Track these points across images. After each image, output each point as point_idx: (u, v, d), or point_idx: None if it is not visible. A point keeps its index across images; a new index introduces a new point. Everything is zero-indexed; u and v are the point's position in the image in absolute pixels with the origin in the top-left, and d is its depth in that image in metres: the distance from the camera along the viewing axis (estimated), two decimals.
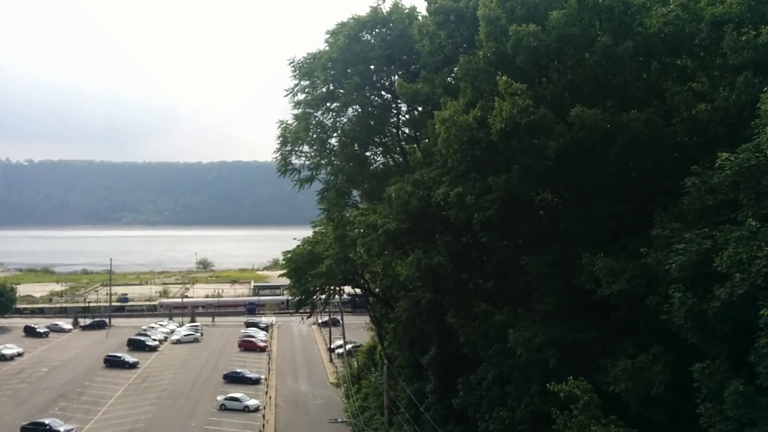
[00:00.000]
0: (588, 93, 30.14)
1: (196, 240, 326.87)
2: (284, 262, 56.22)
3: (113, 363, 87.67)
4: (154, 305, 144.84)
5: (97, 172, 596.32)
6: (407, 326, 47.30)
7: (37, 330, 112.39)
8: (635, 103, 28.90)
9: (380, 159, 51.69)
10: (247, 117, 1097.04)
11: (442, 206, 33.42)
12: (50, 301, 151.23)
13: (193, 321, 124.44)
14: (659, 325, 24.42)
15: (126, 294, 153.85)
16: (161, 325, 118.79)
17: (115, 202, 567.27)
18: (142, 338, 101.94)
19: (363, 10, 46.59)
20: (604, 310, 27.86)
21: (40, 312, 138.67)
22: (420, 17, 44.64)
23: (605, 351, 27.49)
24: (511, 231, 33.41)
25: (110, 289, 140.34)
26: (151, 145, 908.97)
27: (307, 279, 51.74)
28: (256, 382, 78.33)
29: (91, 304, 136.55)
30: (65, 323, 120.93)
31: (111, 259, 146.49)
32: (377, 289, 57.85)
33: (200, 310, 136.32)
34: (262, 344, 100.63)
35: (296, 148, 50.59)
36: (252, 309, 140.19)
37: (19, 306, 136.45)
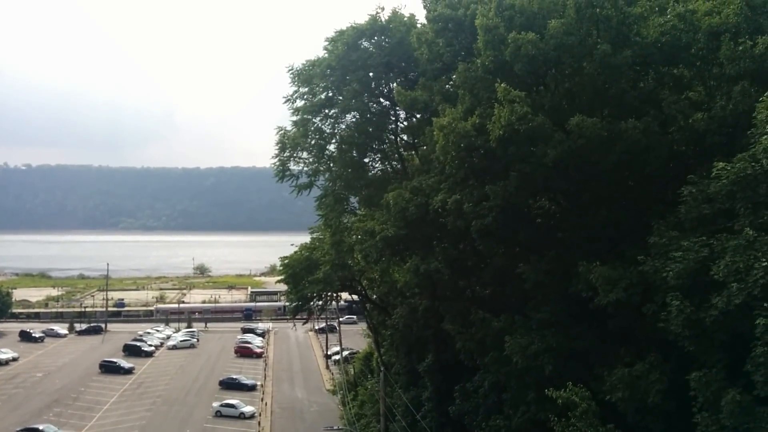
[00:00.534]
0: (585, 102, 30.24)
1: (194, 245, 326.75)
2: (281, 268, 56.11)
3: (109, 368, 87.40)
4: (151, 311, 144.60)
5: (94, 177, 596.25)
6: (404, 333, 47.25)
7: (33, 335, 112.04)
8: (632, 112, 28.99)
9: (378, 166, 51.70)
10: (246, 123, 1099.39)
11: (440, 213, 33.43)
12: (46, 305, 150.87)
13: (189, 327, 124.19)
14: (656, 333, 24.40)
15: (122, 299, 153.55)
16: (157, 330, 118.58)
17: (112, 207, 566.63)
18: (138, 344, 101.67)
19: (362, 18, 46.80)
20: (601, 318, 27.85)
21: (36, 317, 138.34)
22: (419, 25, 44.75)
23: (602, 359, 27.48)
24: (508, 239, 33.44)
25: (107, 294, 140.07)
26: (150, 150, 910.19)
27: (305, 285, 51.65)
28: (252, 388, 78.11)
29: (87, 309, 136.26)
30: (61, 328, 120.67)
31: (108, 264, 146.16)
32: (374, 296, 57.80)
33: (197, 315, 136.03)
34: (258, 350, 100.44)
35: (295, 155, 50.59)
36: (249, 315, 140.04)
37: (14, 310, 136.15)
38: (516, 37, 29.64)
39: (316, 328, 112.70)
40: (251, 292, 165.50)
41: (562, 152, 28.02)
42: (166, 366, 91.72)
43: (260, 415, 67.98)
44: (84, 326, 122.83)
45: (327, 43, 47.25)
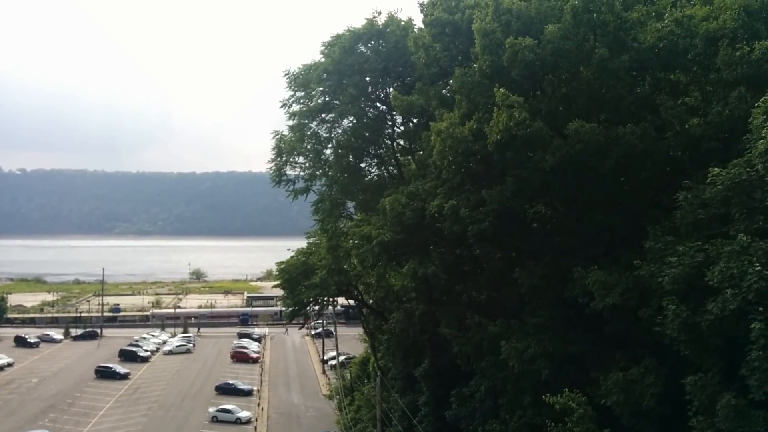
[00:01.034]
0: (582, 106, 30.33)
1: (190, 250, 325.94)
2: (278, 272, 56.01)
3: (104, 374, 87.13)
4: (147, 316, 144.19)
5: (90, 182, 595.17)
6: (400, 338, 47.20)
7: (28, 340, 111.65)
8: (629, 117, 29.05)
9: (375, 170, 51.74)
10: (242, 127, 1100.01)
11: (437, 218, 33.43)
12: (41, 310, 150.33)
13: (185, 332, 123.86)
14: (651, 337, 24.45)
15: (118, 304, 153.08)
16: (153, 335, 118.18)
17: (108, 211, 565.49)
18: (134, 349, 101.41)
19: (359, 23, 46.88)
20: (597, 322, 27.88)
21: (31, 322, 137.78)
22: (416, 29, 44.84)
23: (598, 363, 27.50)
24: (505, 243, 33.48)
25: (102, 299, 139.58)
26: (146, 154, 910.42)
27: (301, 290, 51.62)
28: (248, 393, 77.92)
29: (82, 314, 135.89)
30: (56, 333, 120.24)
31: (103, 269, 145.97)
32: (371, 301, 57.76)
33: (193, 320, 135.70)
34: (254, 355, 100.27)
35: (291, 159, 50.58)
36: (245, 320, 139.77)
37: (9, 316, 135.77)
38: (513, 41, 29.71)
39: (313, 332, 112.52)
40: (247, 297, 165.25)
41: (561, 157, 28.09)
42: (162, 371, 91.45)
43: (257, 420, 67.82)
44: (79, 331, 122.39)
45: (324, 47, 47.34)
